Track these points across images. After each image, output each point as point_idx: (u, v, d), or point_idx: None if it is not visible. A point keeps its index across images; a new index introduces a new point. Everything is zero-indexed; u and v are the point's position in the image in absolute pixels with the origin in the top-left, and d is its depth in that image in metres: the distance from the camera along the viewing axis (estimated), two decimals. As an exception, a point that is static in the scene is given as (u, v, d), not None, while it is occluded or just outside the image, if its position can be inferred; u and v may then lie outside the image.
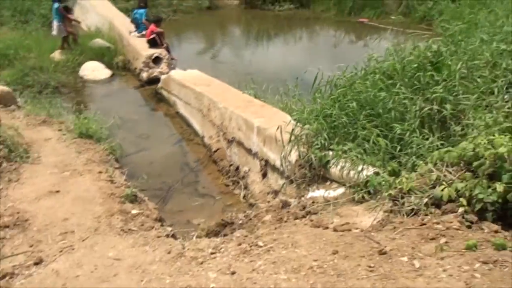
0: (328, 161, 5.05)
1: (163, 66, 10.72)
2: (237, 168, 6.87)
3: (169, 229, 4.69)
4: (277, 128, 5.73)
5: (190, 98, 8.57)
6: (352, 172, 4.64)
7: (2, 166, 5.37)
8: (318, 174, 5.19)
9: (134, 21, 12.31)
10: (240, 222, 4.83)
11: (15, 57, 10.74)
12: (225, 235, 4.52)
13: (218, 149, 7.41)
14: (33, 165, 5.63)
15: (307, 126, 5.59)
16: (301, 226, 3.94)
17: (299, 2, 18.40)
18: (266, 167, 6.29)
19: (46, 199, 4.80)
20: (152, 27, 11.21)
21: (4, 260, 3.70)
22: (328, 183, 5.10)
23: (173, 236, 4.44)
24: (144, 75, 10.70)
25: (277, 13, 17.59)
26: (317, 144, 5.24)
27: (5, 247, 3.92)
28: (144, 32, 11.61)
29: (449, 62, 5.42)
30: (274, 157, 6.02)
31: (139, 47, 11.21)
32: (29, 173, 5.41)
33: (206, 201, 6.37)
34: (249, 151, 6.64)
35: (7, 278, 3.46)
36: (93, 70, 11.11)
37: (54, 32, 11.85)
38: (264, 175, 6.30)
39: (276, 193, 5.77)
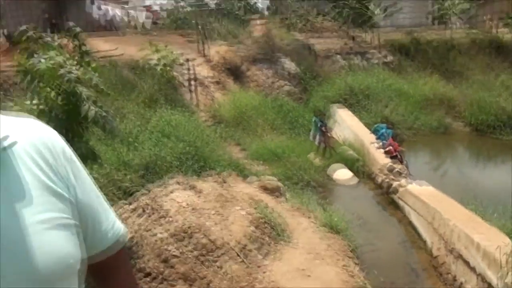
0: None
1: (401, 179, 12.22)
2: (455, 277, 7.63)
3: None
4: (496, 248, 6.31)
5: (421, 209, 9.78)
6: None
7: (270, 246, 7.06)
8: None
9: (379, 136, 14.20)
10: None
11: (281, 156, 13.58)
12: None
13: (442, 260, 8.19)
14: (291, 248, 7.18)
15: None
16: None
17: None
18: (483, 283, 6.83)
19: (297, 280, 6.14)
20: (396, 145, 13.03)
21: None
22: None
23: None
24: (384, 184, 12.36)
25: (507, 142, 17.29)
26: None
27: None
28: (387, 148, 13.35)
29: None
30: (491, 276, 6.57)
31: (383, 160, 13.01)
32: (289, 254, 6.88)
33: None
34: (467, 263, 7.36)
35: None
36: (339, 173, 13.25)
37: (311, 138, 14.82)
38: (479, 290, 6.87)
39: (491, 311, 6.26)
